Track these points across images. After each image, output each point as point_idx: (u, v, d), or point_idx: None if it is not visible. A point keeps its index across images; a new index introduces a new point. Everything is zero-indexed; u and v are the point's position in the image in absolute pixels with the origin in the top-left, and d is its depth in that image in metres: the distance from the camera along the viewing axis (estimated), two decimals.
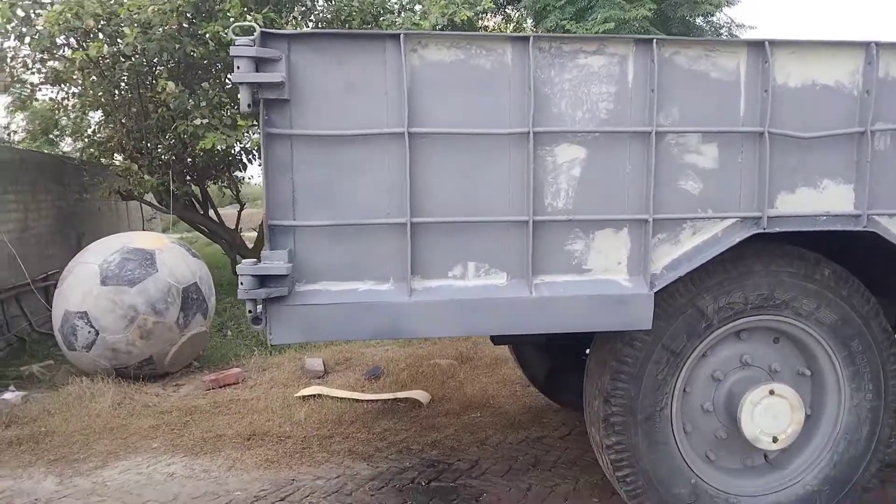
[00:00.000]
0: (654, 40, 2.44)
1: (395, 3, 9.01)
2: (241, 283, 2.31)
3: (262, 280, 2.34)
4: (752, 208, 2.57)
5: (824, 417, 2.97)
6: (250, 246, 10.49)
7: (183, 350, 5.62)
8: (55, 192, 8.33)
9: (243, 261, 2.36)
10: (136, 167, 7.57)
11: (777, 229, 2.59)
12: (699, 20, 13.03)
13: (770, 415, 2.80)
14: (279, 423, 4.57)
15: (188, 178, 8.92)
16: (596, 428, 2.92)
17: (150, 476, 3.89)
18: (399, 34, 2.32)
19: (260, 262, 2.38)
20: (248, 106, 2.28)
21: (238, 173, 10.22)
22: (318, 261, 2.44)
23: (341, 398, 4.96)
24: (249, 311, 2.38)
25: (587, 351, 4.49)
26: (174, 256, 5.69)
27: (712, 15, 13.12)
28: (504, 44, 2.42)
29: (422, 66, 2.38)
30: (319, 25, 8.39)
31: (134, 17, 6.69)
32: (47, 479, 3.90)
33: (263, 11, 7.27)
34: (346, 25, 8.24)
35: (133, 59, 7.13)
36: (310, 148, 2.38)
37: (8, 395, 5.17)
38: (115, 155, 8.45)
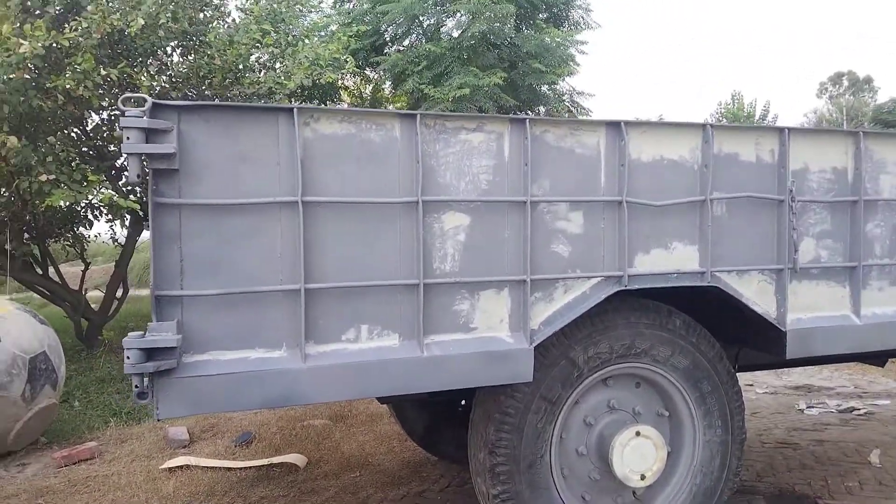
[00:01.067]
0: (528, 120, 2.70)
1: (255, 62, 8.99)
2: (128, 357, 2.24)
3: (149, 353, 2.28)
4: (615, 268, 2.87)
5: (682, 453, 3.28)
6: (95, 307, 9.80)
7: (29, 426, 5.14)
8: None
9: (129, 334, 2.29)
10: None
11: (636, 286, 2.90)
12: (545, 88, 14.08)
13: (637, 454, 3.06)
14: (146, 498, 4.30)
15: (27, 236, 8.26)
16: (482, 478, 3.04)
17: None
18: (293, 108, 2.41)
19: (144, 333, 2.32)
20: (137, 176, 2.26)
21: (83, 230, 9.61)
22: (207, 330, 2.40)
23: (212, 468, 4.75)
24: (136, 387, 2.30)
25: (462, 403, 4.69)
26: (19, 324, 5.24)
27: (556, 83, 14.24)
28: (393, 120, 2.57)
29: (314, 139, 2.47)
30: (174, 81, 8.18)
31: None
32: None
33: (119, 66, 7.03)
34: (207, 82, 8.12)
35: None
36: (199, 217, 2.38)
37: None
38: None
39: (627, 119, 2.82)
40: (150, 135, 2.27)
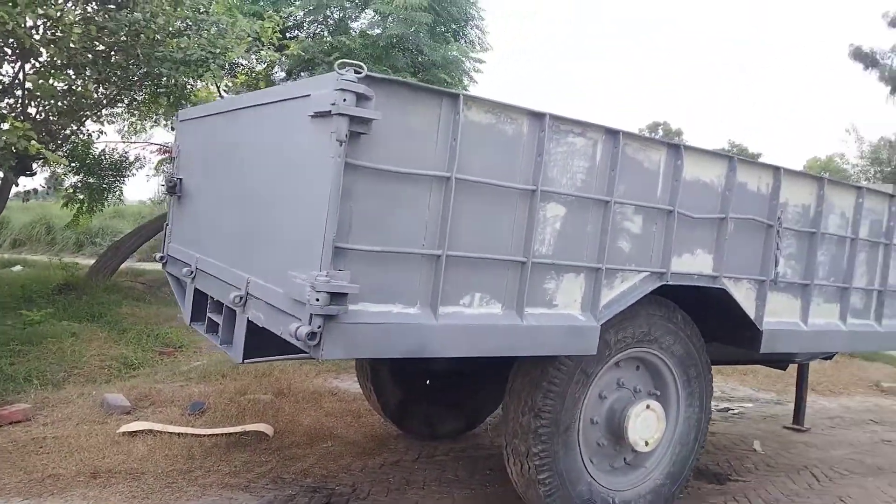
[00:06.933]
0: (620, 132, 3.19)
1: (182, 28, 8.56)
2: (317, 300, 2.39)
3: (332, 297, 2.45)
4: (659, 265, 3.44)
5: (668, 427, 3.92)
6: None
7: None
8: None
9: (318, 278, 2.42)
10: None
11: (675, 283, 3.49)
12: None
13: (645, 424, 3.65)
14: (121, 459, 4.16)
15: None
16: (521, 439, 3.44)
17: None
18: (459, 94, 2.69)
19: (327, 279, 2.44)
20: (345, 135, 2.41)
21: None
22: (361, 283, 2.57)
23: (178, 434, 4.66)
24: (318, 327, 2.44)
25: (427, 382, 5.05)
26: None
27: None
28: (523, 116, 2.93)
29: (465, 123, 2.76)
30: (93, 35, 7.58)
31: None
32: None
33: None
34: (134, 40, 7.62)
35: None
36: (371, 180, 2.57)
37: None
38: None
39: (685, 143, 3.41)
40: (359, 99, 2.44)
